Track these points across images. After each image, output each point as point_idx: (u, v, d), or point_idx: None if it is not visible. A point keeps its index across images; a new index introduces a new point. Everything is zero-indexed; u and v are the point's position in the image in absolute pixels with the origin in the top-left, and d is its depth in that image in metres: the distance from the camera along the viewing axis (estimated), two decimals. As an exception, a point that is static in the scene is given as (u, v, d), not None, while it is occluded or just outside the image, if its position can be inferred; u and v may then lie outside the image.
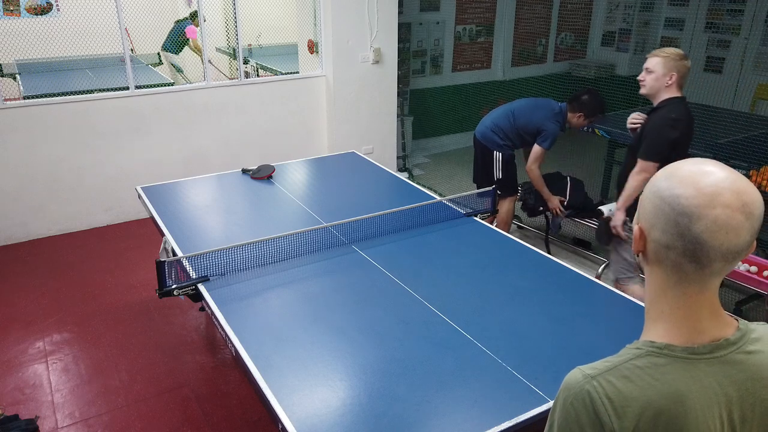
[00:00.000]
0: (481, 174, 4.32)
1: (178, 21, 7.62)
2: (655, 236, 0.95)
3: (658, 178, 0.96)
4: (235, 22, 5.29)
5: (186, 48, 7.54)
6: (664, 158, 2.85)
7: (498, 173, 4.21)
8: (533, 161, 4.04)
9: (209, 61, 5.66)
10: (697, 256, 0.92)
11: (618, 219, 3.11)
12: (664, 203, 0.93)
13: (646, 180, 2.58)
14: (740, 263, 3.49)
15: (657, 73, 2.91)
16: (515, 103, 4.29)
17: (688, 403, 0.92)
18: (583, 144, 5.90)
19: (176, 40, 7.52)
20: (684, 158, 0.97)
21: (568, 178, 4.29)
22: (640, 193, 1.03)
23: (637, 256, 1.02)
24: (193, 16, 7.31)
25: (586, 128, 4.36)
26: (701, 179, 0.91)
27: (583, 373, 0.96)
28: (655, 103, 2.98)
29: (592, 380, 0.94)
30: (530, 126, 4.08)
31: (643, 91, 3.01)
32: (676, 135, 2.87)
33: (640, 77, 3.00)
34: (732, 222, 0.89)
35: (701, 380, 0.94)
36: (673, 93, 2.92)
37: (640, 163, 2.96)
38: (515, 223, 4.91)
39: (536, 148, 4.01)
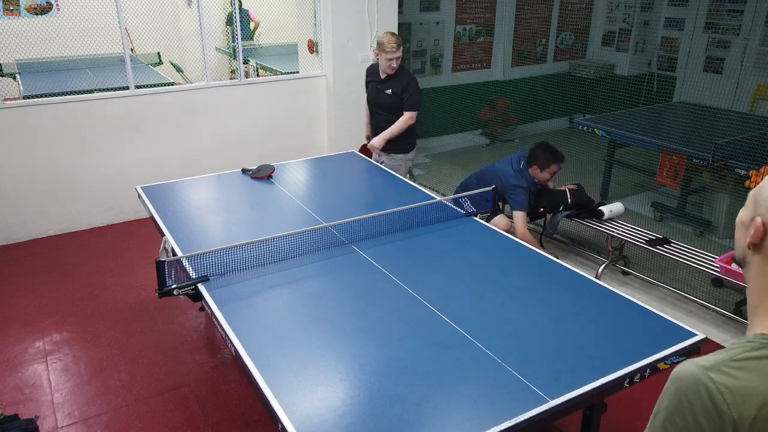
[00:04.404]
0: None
1: (234, 13, 7.90)
2: None
3: None
4: (236, 22, 5.29)
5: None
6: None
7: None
8: (519, 227, 3.91)
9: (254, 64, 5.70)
10: None
11: (378, 144, 4.36)
12: None
13: (410, 122, 4.34)
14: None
15: None
16: (479, 171, 4.29)
17: None
18: (584, 144, 5.90)
19: (247, 28, 8.03)
20: None
21: (567, 190, 4.28)
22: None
23: (748, 248, 1.02)
24: None
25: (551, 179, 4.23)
26: None
27: (697, 365, 0.95)
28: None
29: (707, 371, 0.94)
30: (496, 182, 4.07)
31: None
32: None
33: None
34: None
35: None
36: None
37: (409, 113, 4.31)
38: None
39: (515, 215, 3.94)
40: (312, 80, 5.64)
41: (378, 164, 4.22)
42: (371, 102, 4.50)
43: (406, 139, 4.42)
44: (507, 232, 4.02)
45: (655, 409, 1.01)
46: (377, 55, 4.25)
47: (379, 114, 4.44)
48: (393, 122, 4.36)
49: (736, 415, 0.91)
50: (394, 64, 4.22)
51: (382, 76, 4.32)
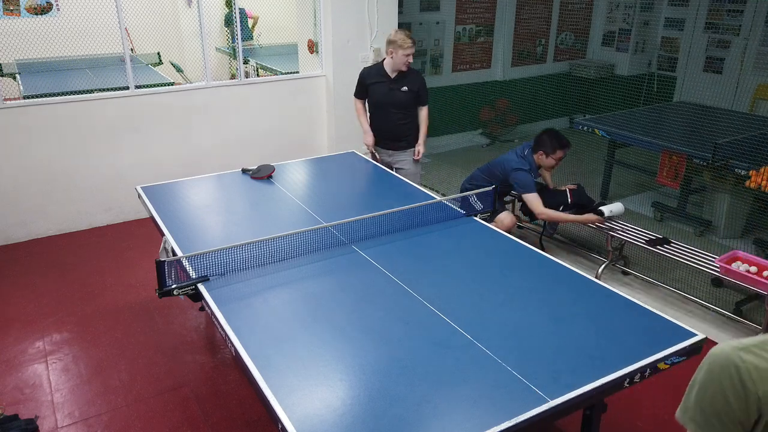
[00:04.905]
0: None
1: (233, 13, 7.91)
2: None
3: None
4: (236, 22, 5.29)
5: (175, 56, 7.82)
6: None
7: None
8: (536, 208, 3.98)
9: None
10: None
11: (423, 149, 4.44)
12: None
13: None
14: (740, 264, 3.49)
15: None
16: (484, 166, 4.36)
17: None
18: (584, 144, 5.90)
19: (245, 27, 8.06)
20: None
21: (567, 190, 4.28)
22: None
23: None
24: None
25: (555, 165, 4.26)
26: None
27: (731, 345, 1.05)
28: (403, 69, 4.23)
29: (740, 351, 1.03)
30: (499, 169, 4.15)
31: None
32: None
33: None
34: None
35: None
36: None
37: (426, 108, 4.40)
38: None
39: (526, 198, 4.00)
40: (312, 80, 5.64)
41: (381, 165, 4.20)
42: (381, 103, 4.33)
43: (415, 133, 4.45)
44: (509, 231, 4.04)
45: (690, 384, 1.11)
46: (391, 53, 4.15)
47: (394, 113, 4.32)
48: (408, 120, 4.37)
49: (761, 392, 0.99)
50: (411, 60, 4.19)
51: (392, 75, 4.25)
